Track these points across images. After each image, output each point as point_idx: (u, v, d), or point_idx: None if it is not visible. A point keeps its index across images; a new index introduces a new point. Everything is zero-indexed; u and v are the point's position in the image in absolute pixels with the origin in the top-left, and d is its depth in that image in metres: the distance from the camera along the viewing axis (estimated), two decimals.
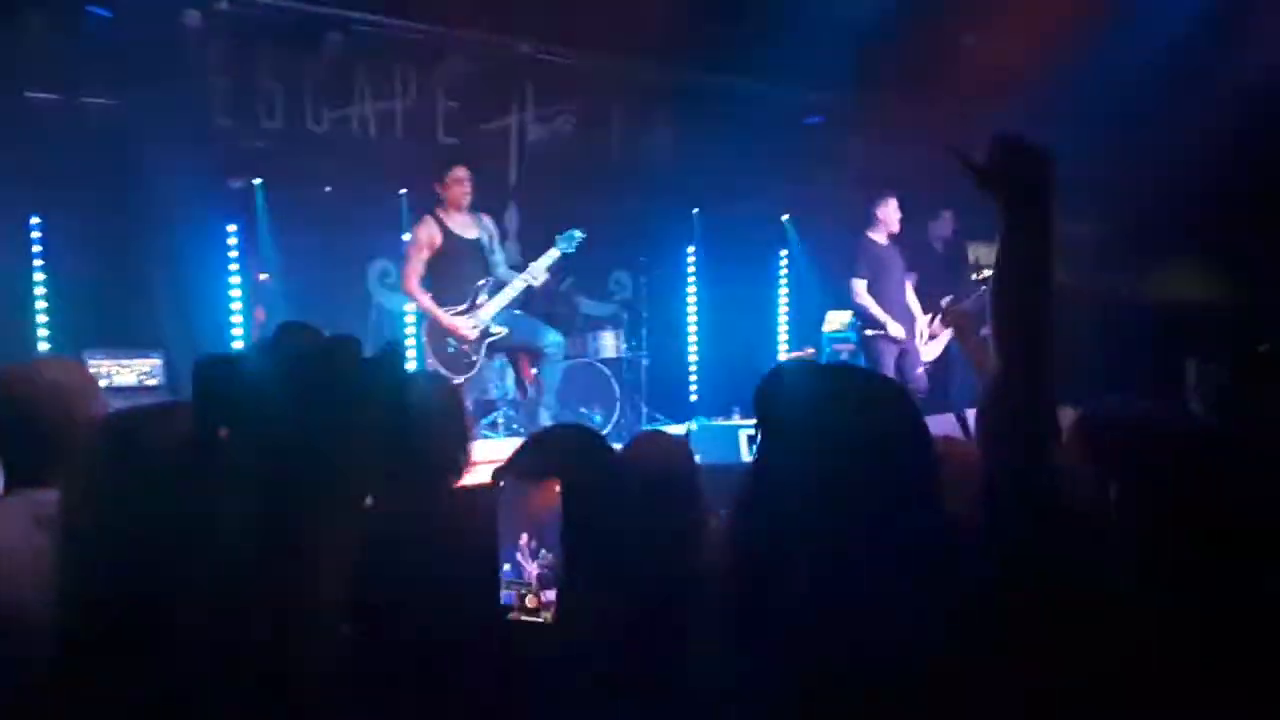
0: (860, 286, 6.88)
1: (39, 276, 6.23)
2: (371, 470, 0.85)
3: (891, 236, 6.93)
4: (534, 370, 6.16)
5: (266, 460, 0.80)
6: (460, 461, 2.08)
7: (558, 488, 1.22)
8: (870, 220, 6.95)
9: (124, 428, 1.22)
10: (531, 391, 6.20)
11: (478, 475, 2.09)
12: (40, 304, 6.21)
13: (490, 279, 5.76)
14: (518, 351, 6.06)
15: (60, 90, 6.12)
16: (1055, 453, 1.40)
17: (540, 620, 1.20)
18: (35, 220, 6.24)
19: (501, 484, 1.24)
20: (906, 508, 1.27)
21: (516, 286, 5.77)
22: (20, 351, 5.54)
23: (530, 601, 1.20)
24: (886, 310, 6.81)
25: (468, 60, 7.23)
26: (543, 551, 1.20)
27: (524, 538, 1.21)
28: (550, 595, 1.18)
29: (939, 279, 7.26)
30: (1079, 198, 7.65)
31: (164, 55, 6.15)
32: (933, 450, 1.37)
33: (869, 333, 7.03)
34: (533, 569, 1.20)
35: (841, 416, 1.34)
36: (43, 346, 6.06)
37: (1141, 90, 6.95)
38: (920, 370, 7.07)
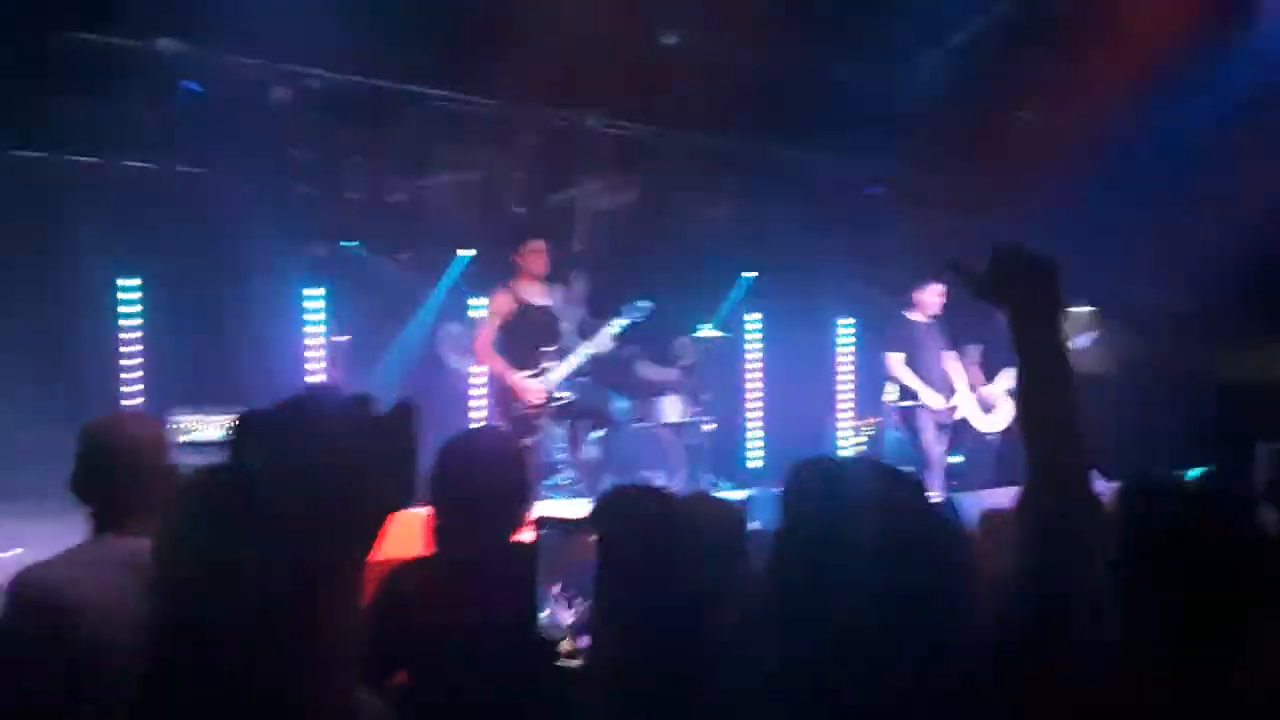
0: (896, 360, 6.99)
1: (129, 335, 6.49)
2: (374, 514, 0.89)
3: (931, 317, 6.94)
4: (585, 444, 6.28)
5: (281, 509, 0.87)
6: (518, 515, 2.16)
7: (594, 538, 1.27)
8: (908, 301, 7.07)
9: (204, 481, 1.32)
10: (593, 454, 6.28)
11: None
12: (128, 362, 6.47)
13: (559, 346, 5.90)
14: (583, 417, 6.17)
15: (154, 159, 6.46)
16: (1094, 558, 1.38)
17: (573, 664, 1.24)
18: (125, 282, 6.53)
19: (543, 532, 1.29)
20: (924, 620, 1.20)
21: (583, 353, 5.90)
22: (107, 407, 5.80)
23: (565, 647, 1.24)
24: (925, 383, 6.90)
25: (537, 133, 7.49)
26: (579, 599, 1.25)
27: (557, 586, 1.26)
28: (585, 641, 1.23)
29: (1005, 348, 7.17)
30: (1155, 271, 7.61)
31: (252, 128, 6.49)
32: (954, 553, 1.30)
33: (906, 403, 7.09)
34: (568, 615, 1.25)
35: (855, 524, 1.26)
36: (135, 402, 6.32)
37: (1215, 162, 6.90)
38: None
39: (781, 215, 8.61)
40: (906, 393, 7.04)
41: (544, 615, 1.25)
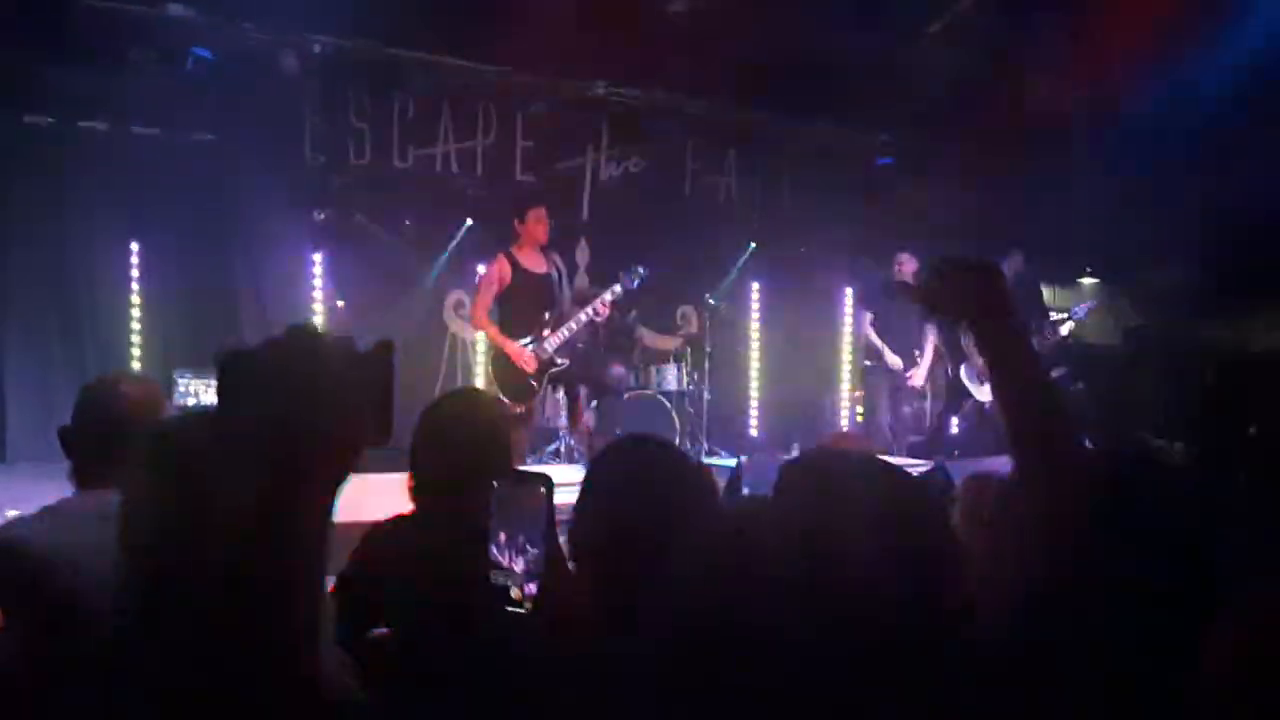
0: (866, 318, 7.35)
1: (135, 299, 6.60)
2: (350, 447, 0.92)
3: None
4: (587, 410, 6.33)
5: (257, 442, 0.89)
6: (499, 473, 2.24)
7: (543, 489, 1.33)
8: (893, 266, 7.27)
9: (168, 431, 1.39)
10: (590, 423, 6.35)
11: None
12: (134, 325, 6.58)
13: (555, 312, 5.96)
14: (579, 383, 6.22)
15: (162, 126, 6.53)
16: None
17: (522, 610, 1.29)
18: (134, 246, 6.62)
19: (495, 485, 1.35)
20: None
21: (580, 320, 5.94)
22: (112, 368, 5.91)
23: (515, 594, 1.30)
24: (891, 348, 7.14)
25: (545, 102, 7.53)
26: (528, 548, 1.31)
27: (502, 535, 1.32)
28: (532, 588, 1.29)
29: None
30: (1165, 244, 7.60)
31: (260, 95, 6.54)
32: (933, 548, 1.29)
33: (866, 363, 7.35)
34: (518, 563, 1.31)
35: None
36: (134, 365, 6.42)
37: (1227, 131, 6.89)
38: (908, 408, 7.31)
39: (788, 186, 8.65)
40: (870, 352, 7.27)
41: (500, 563, 1.32)
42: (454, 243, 7.33)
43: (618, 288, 5.98)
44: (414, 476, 2.23)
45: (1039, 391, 1.48)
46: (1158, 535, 1.46)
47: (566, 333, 5.88)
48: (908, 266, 7.14)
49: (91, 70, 6.08)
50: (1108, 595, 1.37)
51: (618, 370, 6.06)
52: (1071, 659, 1.32)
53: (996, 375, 1.52)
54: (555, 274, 5.98)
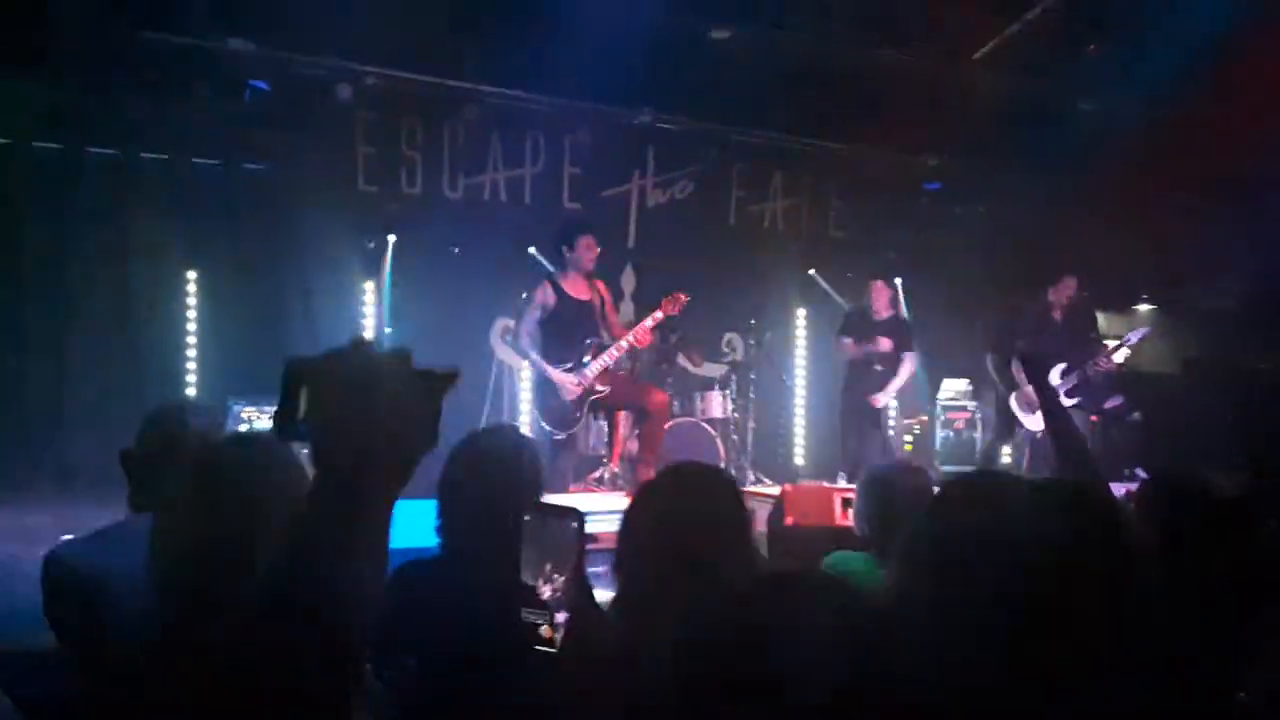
0: (837, 343, 7.35)
1: (191, 327, 6.74)
2: (407, 460, 0.93)
3: (884, 312, 7.15)
4: (630, 438, 6.33)
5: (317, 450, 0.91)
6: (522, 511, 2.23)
7: (575, 523, 1.33)
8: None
9: (211, 455, 1.41)
10: (632, 450, 6.35)
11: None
12: (190, 352, 6.72)
13: (597, 339, 5.98)
14: (619, 410, 6.23)
15: (220, 156, 6.70)
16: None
17: (552, 650, 1.28)
18: (191, 274, 6.78)
19: (527, 518, 1.35)
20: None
21: (621, 347, 5.97)
22: (171, 395, 6.04)
23: (545, 632, 1.29)
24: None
25: (592, 130, 7.61)
26: (555, 576, 1.31)
27: (532, 565, 1.31)
28: (561, 617, 1.28)
29: (1054, 347, 7.06)
30: (1223, 273, 7.45)
31: (314, 125, 6.70)
32: None
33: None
34: (545, 591, 1.30)
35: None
36: (190, 391, 6.56)
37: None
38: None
39: (834, 211, 8.64)
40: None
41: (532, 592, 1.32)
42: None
43: (659, 314, 5.99)
44: (443, 513, 2.23)
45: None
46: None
47: (608, 359, 5.90)
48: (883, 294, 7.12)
49: (154, 102, 6.26)
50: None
51: (659, 399, 6.04)
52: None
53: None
54: (598, 301, 6.00)
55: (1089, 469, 2.32)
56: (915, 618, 1.09)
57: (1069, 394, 6.79)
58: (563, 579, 1.29)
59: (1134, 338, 7.02)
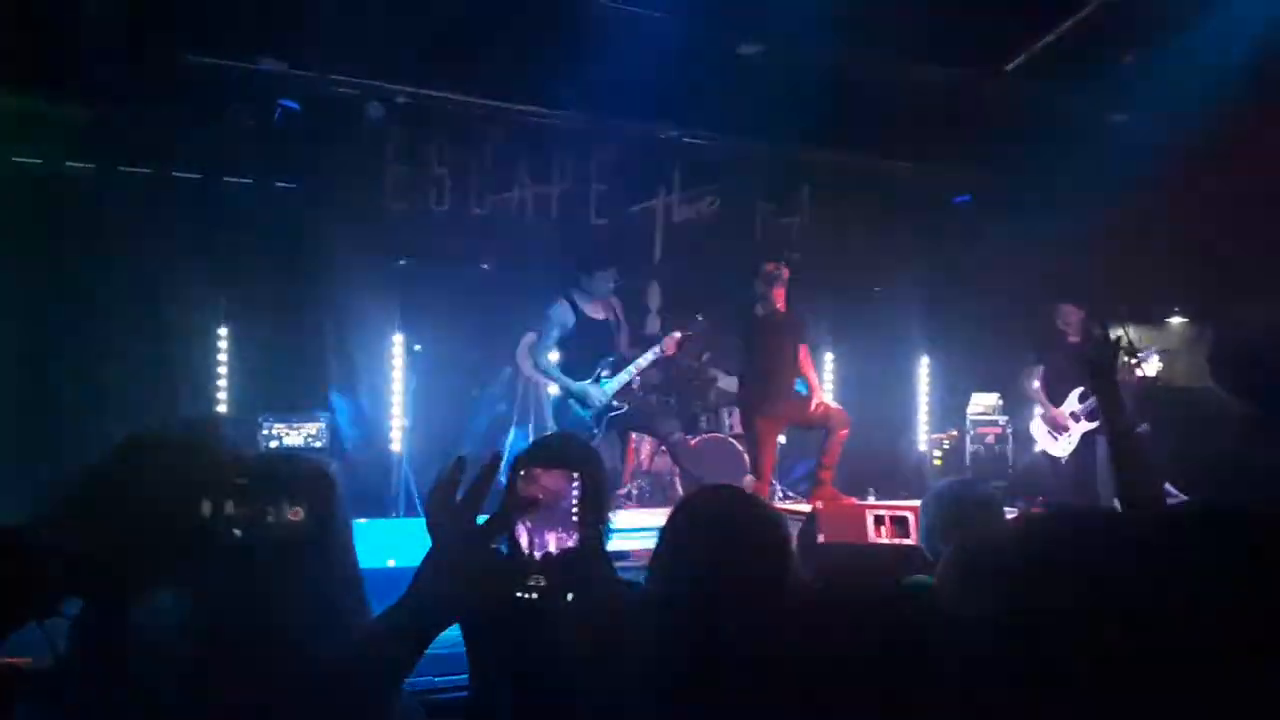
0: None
1: (222, 344, 6.79)
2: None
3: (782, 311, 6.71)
4: (657, 455, 6.35)
5: None
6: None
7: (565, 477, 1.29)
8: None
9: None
10: (663, 464, 6.36)
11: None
12: (221, 370, 6.77)
13: (615, 356, 6.06)
14: (635, 431, 6.29)
15: (252, 176, 6.76)
16: None
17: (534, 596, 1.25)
18: (223, 293, 6.82)
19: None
20: None
21: (639, 364, 6.06)
22: (203, 412, 6.09)
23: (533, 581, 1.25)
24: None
25: (618, 146, 7.62)
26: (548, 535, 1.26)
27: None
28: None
29: (1067, 370, 7.02)
30: (1252, 283, 7.35)
31: (344, 144, 6.75)
32: None
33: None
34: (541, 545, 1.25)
35: None
36: (221, 409, 6.60)
37: None
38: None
39: (861, 226, 8.58)
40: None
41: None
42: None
43: (675, 335, 6.10)
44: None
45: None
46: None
47: (626, 376, 6.01)
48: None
49: (186, 122, 6.33)
50: None
51: (675, 426, 6.09)
52: None
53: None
54: (614, 320, 6.11)
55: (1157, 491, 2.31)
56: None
57: (1089, 416, 6.77)
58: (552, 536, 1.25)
59: (1149, 354, 6.99)
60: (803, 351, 6.52)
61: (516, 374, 7.52)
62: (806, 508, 5.66)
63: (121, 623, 1.41)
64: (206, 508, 0.90)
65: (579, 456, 2.28)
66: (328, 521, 0.90)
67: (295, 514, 0.91)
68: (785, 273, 6.38)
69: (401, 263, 6.97)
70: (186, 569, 0.93)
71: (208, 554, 0.90)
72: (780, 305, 6.41)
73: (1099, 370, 2.50)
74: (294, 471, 1.28)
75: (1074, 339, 7.02)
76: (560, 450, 2.32)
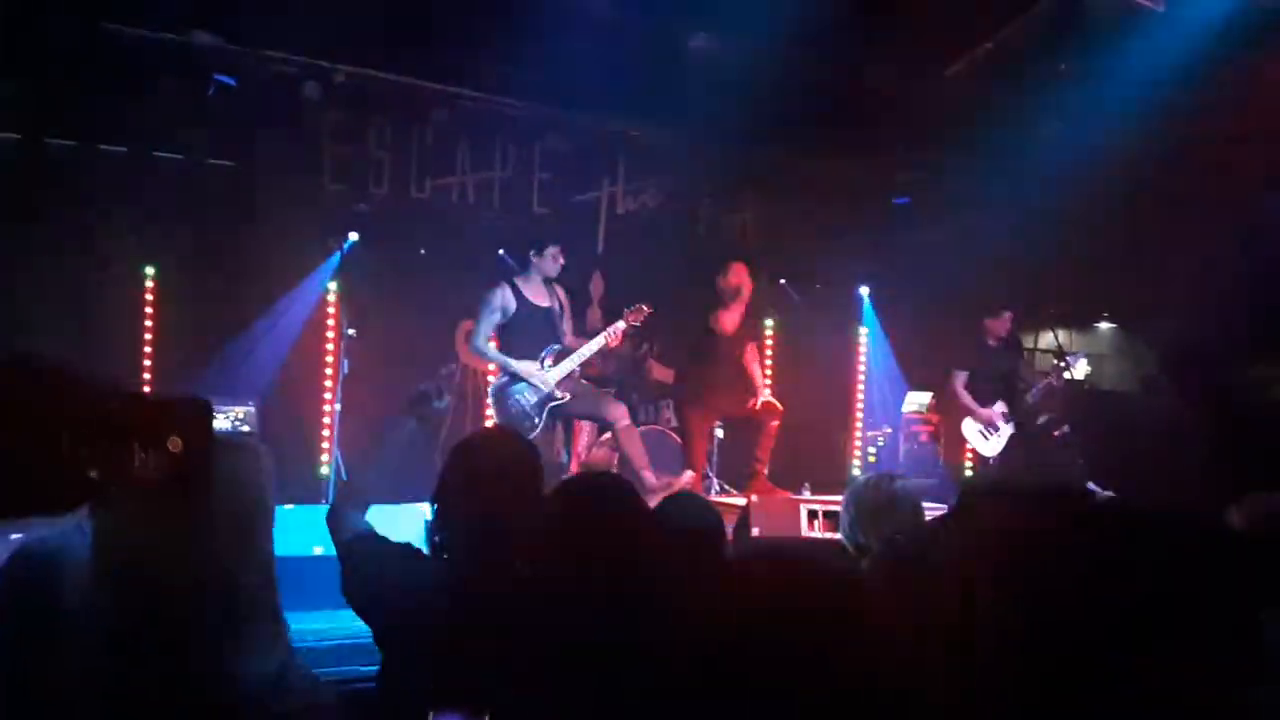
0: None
1: (149, 323, 6.60)
2: None
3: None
4: (595, 446, 6.32)
5: None
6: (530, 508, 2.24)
7: None
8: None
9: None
10: (603, 455, 6.33)
11: None
12: (147, 349, 6.58)
13: (557, 345, 5.97)
14: (578, 419, 6.23)
15: (184, 151, 6.57)
16: None
17: None
18: (149, 270, 6.64)
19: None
20: None
21: (582, 354, 5.97)
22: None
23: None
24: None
25: (563, 136, 7.56)
26: None
27: None
28: None
29: (987, 377, 7.27)
30: (1178, 287, 7.53)
31: (281, 123, 6.59)
32: None
33: None
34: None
35: None
36: (145, 390, 6.42)
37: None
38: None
39: (804, 221, 8.64)
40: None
41: None
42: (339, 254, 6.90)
43: (622, 324, 6.04)
44: (441, 513, 2.20)
45: None
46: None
47: (570, 365, 5.91)
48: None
49: (115, 95, 6.13)
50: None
51: (620, 412, 6.03)
52: None
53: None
54: (558, 307, 6.01)
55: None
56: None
57: (1008, 419, 7.05)
58: None
59: (1073, 360, 7.24)
60: (749, 349, 6.60)
61: (455, 361, 7.44)
62: (741, 501, 5.68)
63: None
64: (65, 442, 0.82)
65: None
66: (207, 461, 0.83)
67: (174, 444, 0.84)
68: (747, 289, 6.41)
69: (334, 245, 6.80)
70: (47, 510, 0.84)
71: (68, 496, 0.82)
72: (738, 319, 6.47)
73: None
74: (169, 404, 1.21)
75: (993, 343, 7.25)
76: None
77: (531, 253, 5.97)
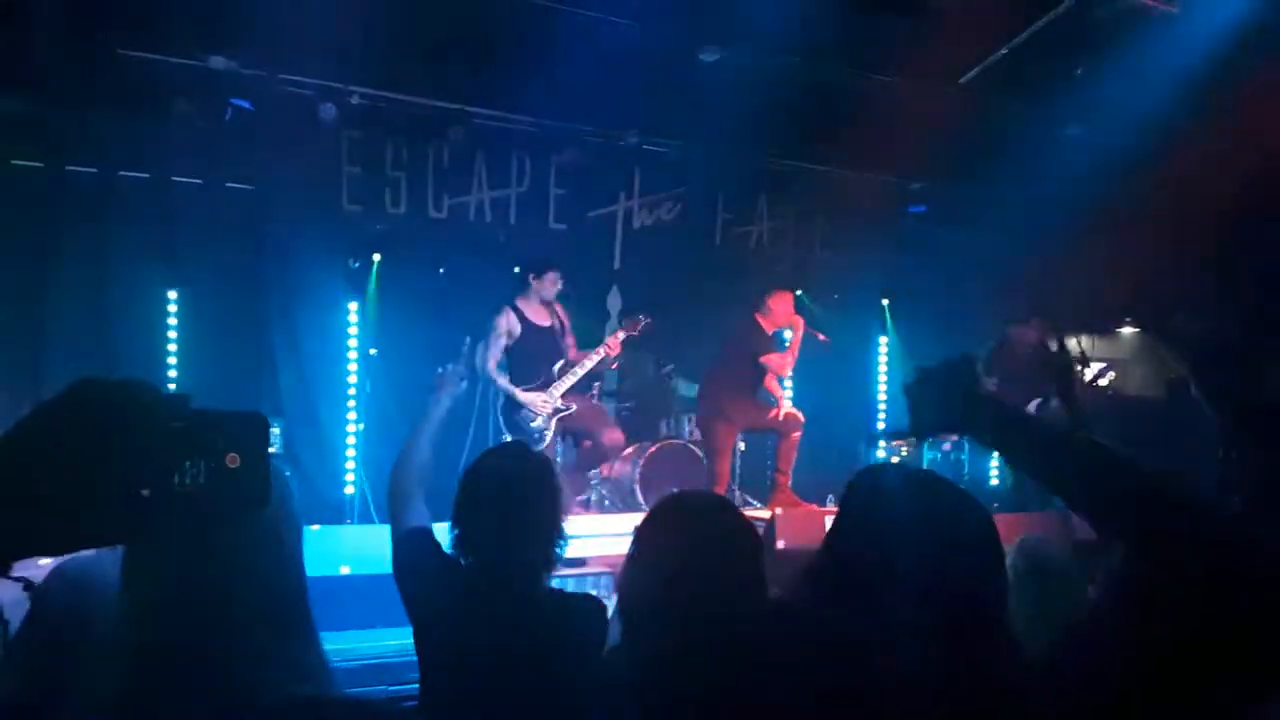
0: None
1: (172, 348, 6.63)
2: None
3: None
4: (615, 460, 6.38)
5: None
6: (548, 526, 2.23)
7: None
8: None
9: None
10: (627, 470, 6.34)
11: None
12: (170, 373, 6.61)
13: (563, 360, 6.15)
14: (582, 433, 6.33)
15: (203, 175, 6.61)
16: None
17: None
18: (172, 294, 6.67)
19: None
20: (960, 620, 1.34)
21: (585, 366, 6.16)
22: None
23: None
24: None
25: (579, 151, 7.57)
26: None
27: None
28: None
29: (1016, 385, 7.15)
30: (1202, 292, 7.48)
31: (298, 145, 6.62)
32: (998, 577, 1.44)
33: None
34: None
35: (918, 524, 1.41)
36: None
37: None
38: None
39: (821, 233, 8.63)
40: None
41: None
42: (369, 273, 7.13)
43: (620, 335, 6.23)
44: (462, 534, 2.21)
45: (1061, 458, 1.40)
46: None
47: (573, 378, 6.04)
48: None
49: (134, 120, 6.18)
50: None
51: (615, 437, 6.15)
52: None
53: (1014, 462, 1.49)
54: (558, 325, 6.20)
55: None
56: None
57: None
58: None
59: (1094, 370, 7.17)
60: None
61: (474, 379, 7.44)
62: (766, 513, 5.64)
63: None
64: (133, 461, 0.81)
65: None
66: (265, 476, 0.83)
67: (233, 460, 0.83)
68: (799, 330, 6.58)
69: (355, 265, 6.84)
70: (114, 529, 0.83)
71: (133, 513, 0.81)
72: (793, 360, 6.65)
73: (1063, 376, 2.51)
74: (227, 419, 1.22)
75: (1022, 351, 7.16)
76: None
77: (531, 275, 6.15)
